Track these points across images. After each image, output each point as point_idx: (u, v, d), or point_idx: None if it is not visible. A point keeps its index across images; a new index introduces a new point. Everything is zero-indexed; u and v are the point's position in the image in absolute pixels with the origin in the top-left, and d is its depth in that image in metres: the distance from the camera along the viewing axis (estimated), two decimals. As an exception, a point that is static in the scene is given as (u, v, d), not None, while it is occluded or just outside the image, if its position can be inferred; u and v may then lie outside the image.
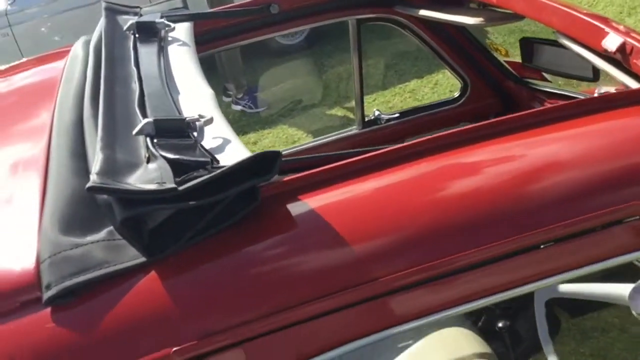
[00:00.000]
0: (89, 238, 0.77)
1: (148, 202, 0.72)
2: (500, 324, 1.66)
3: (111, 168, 0.79)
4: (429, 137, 0.90)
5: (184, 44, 1.44)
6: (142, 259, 0.75)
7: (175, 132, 0.89)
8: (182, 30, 1.50)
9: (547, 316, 1.48)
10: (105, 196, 0.76)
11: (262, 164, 0.78)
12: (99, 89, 1.10)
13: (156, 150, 0.83)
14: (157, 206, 0.73)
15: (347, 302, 0.76)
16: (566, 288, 1.48)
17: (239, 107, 4.31)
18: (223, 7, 1.68)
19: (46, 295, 0.72)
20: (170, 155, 0.81)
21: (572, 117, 0.94)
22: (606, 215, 0.83)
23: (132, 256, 0.76)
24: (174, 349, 0.71)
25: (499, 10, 1.54)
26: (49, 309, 0.73)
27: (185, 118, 0.92)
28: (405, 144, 0.90)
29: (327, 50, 4.67)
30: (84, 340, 0.72)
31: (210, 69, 4.45)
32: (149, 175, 0.78)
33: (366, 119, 2.09)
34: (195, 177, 0.76)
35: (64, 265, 0.74)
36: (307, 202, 0.83)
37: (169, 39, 1.45)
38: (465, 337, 1.62)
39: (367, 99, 3.58)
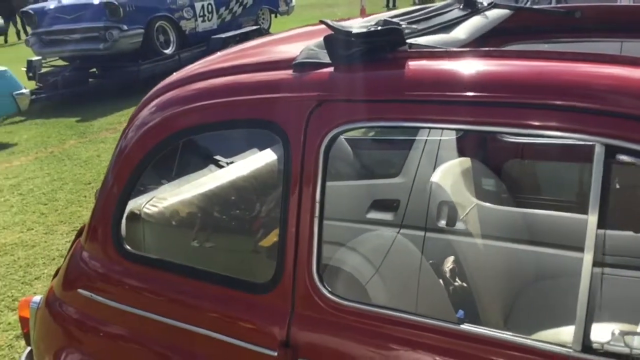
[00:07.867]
0: (318, 49, 1.68)
1: (339, 33, 1.58)
2: None
3: (346, 25, 1.68)
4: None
5: (485, 18, 2.15)
6: (330, 62, 1.62)
7: None
8: (494, 14, 2.21)
9: None
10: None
11: (394, 34, 1.54)
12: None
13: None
14: (341, 37, 1.57)
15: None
16: None
17: None
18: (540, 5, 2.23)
19: (294, 63, 1.68)
20: None
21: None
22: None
23: (328, 60, 1.63)
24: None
25: None
26: (292, 69, 1.68)
27: (401, 25, 1.71)
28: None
29: None
30: (301, 88, 1.65)
31: None
32: None
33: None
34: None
35: (304, 54, 1.67)
36: (421, 60, 1.54)
37: (480, 14, 2.18)
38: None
39: None
